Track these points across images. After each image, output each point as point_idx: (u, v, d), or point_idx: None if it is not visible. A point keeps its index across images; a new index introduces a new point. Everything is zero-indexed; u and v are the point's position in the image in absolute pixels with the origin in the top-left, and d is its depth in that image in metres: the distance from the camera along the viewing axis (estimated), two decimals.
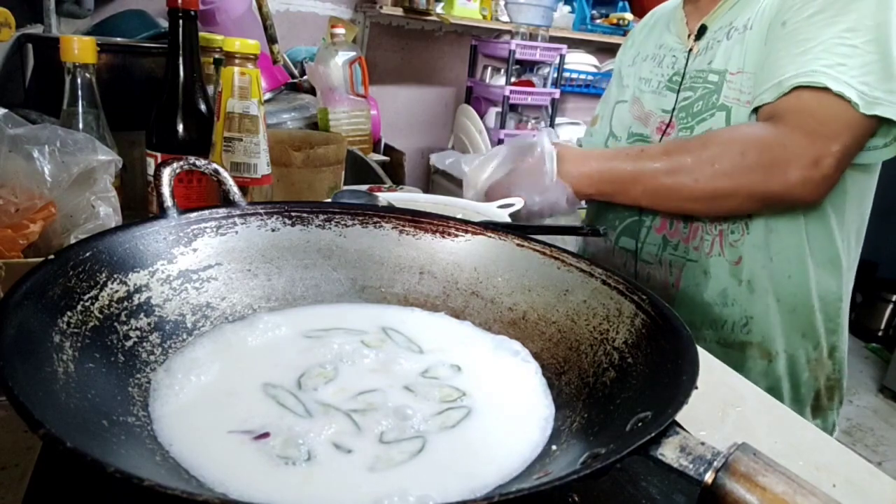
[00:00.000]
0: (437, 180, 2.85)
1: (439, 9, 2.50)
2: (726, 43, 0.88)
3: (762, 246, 0.87)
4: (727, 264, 0.89)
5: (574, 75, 2.92)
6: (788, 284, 0.88)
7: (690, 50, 0.94)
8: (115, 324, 0.41)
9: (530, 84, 2.71)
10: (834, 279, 0.89)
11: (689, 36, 0.95)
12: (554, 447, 0.40)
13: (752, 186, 0.79)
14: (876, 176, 0.90)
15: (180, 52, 0.72)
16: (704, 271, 0.90)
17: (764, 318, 0.89)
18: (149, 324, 0.44)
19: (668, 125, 0.94)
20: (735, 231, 0.88)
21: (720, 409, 0.56)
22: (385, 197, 0.83)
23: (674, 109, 0.94)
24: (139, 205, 0.76)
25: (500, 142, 2.54)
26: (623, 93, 1.07)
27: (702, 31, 0.93)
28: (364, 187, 1.01)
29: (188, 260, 0.49)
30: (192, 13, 0.72)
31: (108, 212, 0.60)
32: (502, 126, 2.62)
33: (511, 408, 0.44)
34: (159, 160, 0.73)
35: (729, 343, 0.91)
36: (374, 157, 1.42)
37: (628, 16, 2.85)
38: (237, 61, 0.73)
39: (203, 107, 0.75)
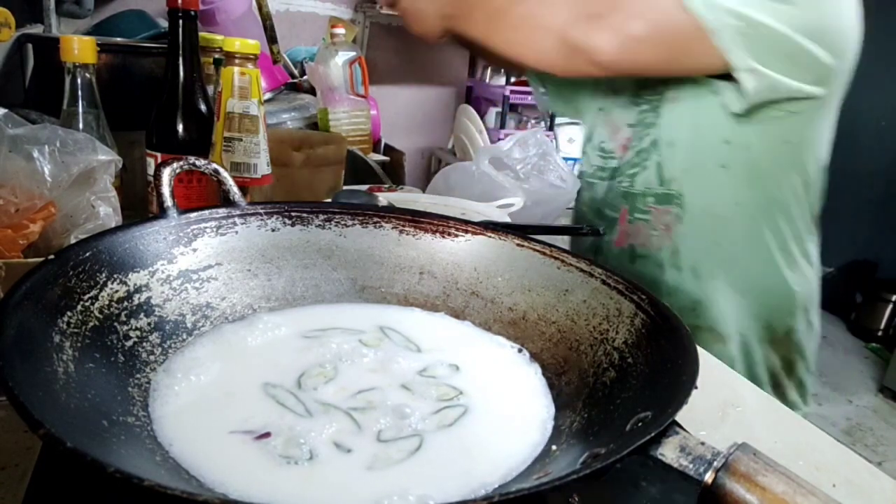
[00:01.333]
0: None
1: None
2: None
3: (705, 232, 0.87)
4: (669, 254, 0.90)
5: None
6: (736, 268, 0.88)
7: None
8: (115, 324, 0.41)
9: None
10: (785, 263, 0.89)
11: None
12: (554, 447, 0.40)
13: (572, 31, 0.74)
14: (816, 144, 0.86)
15: (180, 52, 0.72)
16: (658, 265, 0.92)
17: (712, 303, 0.89)
18: (149, 324, 0.44)
19: (629, 139, 0.91)
20: (668, 224, 0.88)
21: (720, 409, 0.56)
22: (385, 197, 0.83)
23: (633, 125, 0.91)
24: (139, 205, 0.76)
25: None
26: (603, 100, 1.04)
27: None
28: (364, 187, 1.02)
29: (188, 260, 0.49)
30: (192, 13, 0.72)
31: (108, 212, 0.60)
32: (502, 126, 2.62)
33: (509, 407, 0.45)
34: (159, 160, 0.73)
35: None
36: (374, 157, 1.42)
37: None
38: (237, 61, 0.73)
39: (203, 107, 0.75)
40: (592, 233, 0.84)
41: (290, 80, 1.49)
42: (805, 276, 0.92)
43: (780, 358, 0.93)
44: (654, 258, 0.92)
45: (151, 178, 0.74)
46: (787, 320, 0.91)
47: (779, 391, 0.94)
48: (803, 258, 0.91)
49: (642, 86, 0.89)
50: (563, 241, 0.80)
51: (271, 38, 1.41)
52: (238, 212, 0.53)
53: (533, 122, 2.80)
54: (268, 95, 1.36)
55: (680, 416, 0.32)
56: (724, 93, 0.78)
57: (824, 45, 0.75)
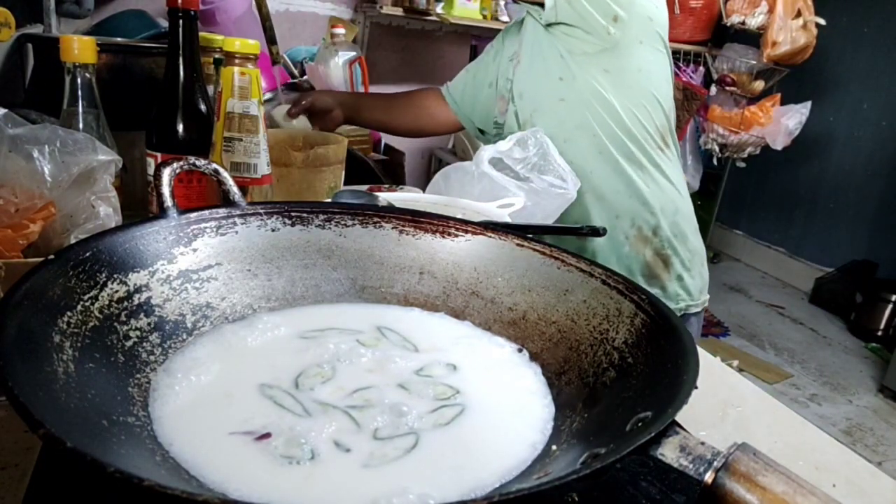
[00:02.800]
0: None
1: (439, 9, 2.50)
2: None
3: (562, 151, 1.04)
4: None
5: None
6: (592, 178, 1.07)
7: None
8: (115, 324, 0.41)
9: None
10: (634, 171, 1.09)
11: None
12: (554, 447, 0.40)
13: None
14: (641, 73, 1.08)
15: (180, 52, 0.72)
16: None
17: (575, 208, 1.02)
18: (149, 324, 0.44)
19: (505, 101, 1.18)
20: None
21: (720, 409, 0.56)
22: (385, 197, 0.83)
23: (504, 89, 1.18)
24: (139, 205, 0.76)
25: None
26: (503, 87, 1.23)
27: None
28: (364, 187, 1.02)
29: (188, 260, 0.49)
30: (192, 13, 0.72)
31: (108, 212, 0.60)
32: None
33: (508, 407, 0.44)
34: (159, 160, 0.73)
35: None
36: (374, 157, 1.42)
37: None
38: (237, 61, 0.73)
39: (203, 107, 0.75)
40: (592, 233, 0.83)
41: (290, 80, 1.49)
42: (658, 185, 1.11)
43: (654, 252, 1.12)
44: None
45: (151, 178, 0.74)
46: (650, 220, 1.11)
47: (657, 282, 1.14)
48: (655, 169, 1.11)
49: (506, 59, 1.17)
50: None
51: (271, 39, 1.41)
52: (238, 212, 0.53)
53: None
54: (268, 95, 1.36)
55: (680, 416, 0.32)
56: (536, 13, 1.05)
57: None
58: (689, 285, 1.15)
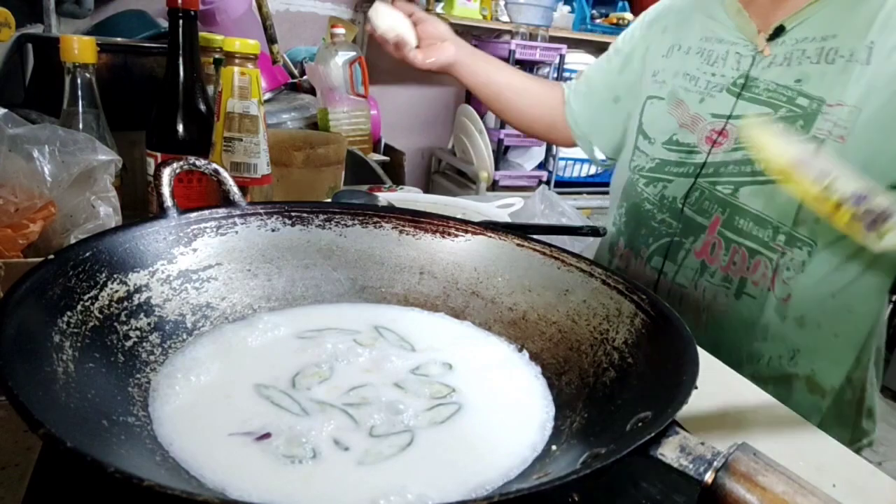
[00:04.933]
0: (437, 180, 2.85)
1: (439, 9, 2.50)
2: (825, 66, 0.74)
3: (822, 283, 0.77)
4: (774, 300, 0.79)
5: (574, 75, 2.92)
6: (850, 319, 0.79)
7: (761, 51, 0.80)
8: (115, 324, 0.41)
9: None
10: (888, 299, 0.81)
11: (758, 33, 0.80)
12: (554, 447, 0.40)
13: None
14: None
15: (180, 52, 0.72)
16: (757, 304, 0.80)
17: (814, 353, 0.80)
18: (149, 324, 0.44)
19: (720, 133, 0.80)
20: (790, 268, 0.77)
21: (720, 410, 0.56)
22: (385, 197, 0.83)
23: (730, 117, 0.80)
24: (139, 205, 0.76)
25: (500, 141, 2.54)
26: (658, 88, 0.91)
27: (778, 31, 0.78)
28: (364, 187, 1.02)
29: (188, 260, 0.49)
30: (192, 13, 0.72)
31: (108, 212, 0.60)
32: (502, 126, 2.62)
33: (506, 406, 0.45)
34: (159, 160, 0.73)
35: (764, 378, 0.81)
36: (374, 157, 1.42)
37: (628, 15, 2.85)
38: (237, 61, 0.73)
39: (203, 107, 0.75)
40: (592, 233, 0.83)
41: (290, 80, 1.49)
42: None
43: (862, 386, 0.84)
44: (752, 294, 0.80)
45: (151, 178, 0.74)
46: (875, 344, 0.83)
47: (852, 427, 0.85)
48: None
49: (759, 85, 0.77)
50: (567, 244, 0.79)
51: (271, 39, 1.41)
52: (238, 212, 0.53)
53: None
54: (268, 95, 1.36)
55: (680, 416, 0.32)
56: None
57: None
58: (875, 413, 0.86)
